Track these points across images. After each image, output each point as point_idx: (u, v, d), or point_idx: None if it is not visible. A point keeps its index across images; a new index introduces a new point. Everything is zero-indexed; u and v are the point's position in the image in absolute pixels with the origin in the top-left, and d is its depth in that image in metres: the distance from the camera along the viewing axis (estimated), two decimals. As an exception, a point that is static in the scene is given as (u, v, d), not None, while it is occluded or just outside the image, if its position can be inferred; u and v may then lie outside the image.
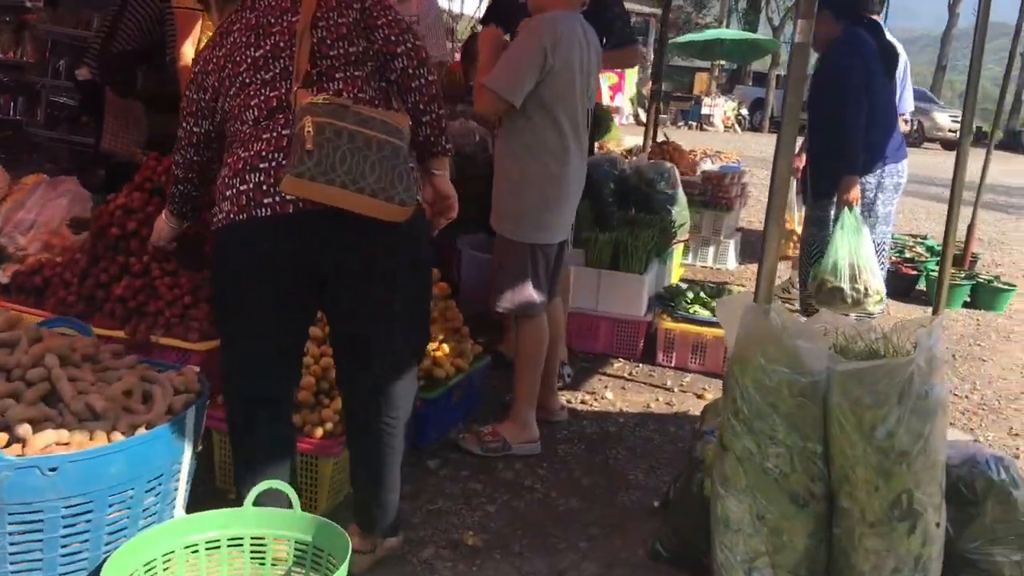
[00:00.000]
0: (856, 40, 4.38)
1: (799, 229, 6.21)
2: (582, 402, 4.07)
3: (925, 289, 6.62)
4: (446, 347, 3.50)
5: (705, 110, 27.64)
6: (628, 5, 15.02)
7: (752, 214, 9.59)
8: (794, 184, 6.08)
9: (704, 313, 4.65)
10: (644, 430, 3.82)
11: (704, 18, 39.27)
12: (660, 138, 8.81)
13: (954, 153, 3.57)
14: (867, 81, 4.33)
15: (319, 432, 2.82)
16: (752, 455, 2.12)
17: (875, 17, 4.65)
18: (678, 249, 5.83)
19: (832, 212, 4.45)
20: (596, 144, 7.54)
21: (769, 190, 2.24)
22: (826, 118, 4.46)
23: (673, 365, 4.64)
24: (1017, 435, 4.14)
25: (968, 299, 6.52)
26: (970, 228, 7.10)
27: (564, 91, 3.29)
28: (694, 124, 26.87)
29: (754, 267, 7.41)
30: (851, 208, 4.28)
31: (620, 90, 21.15)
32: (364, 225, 2.10)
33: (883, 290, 4.22)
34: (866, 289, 4.14)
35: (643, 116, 26.41)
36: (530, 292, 3.37)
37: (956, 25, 34.16)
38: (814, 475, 2.11)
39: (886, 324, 4.38)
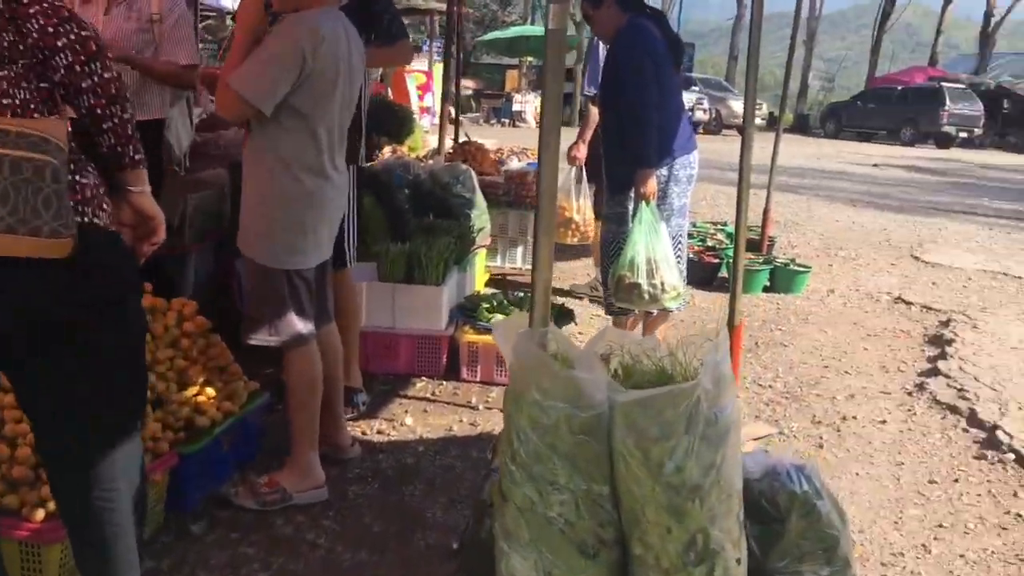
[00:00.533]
0: (643, 31, 4.25)
1: (577, 217, 6.10)
2: (379, 432, 3.74)
3: (727, 276, 6.67)
4: (210, 390, 3.08)
5: (516, 107, 27.81)
6: (436, 3, 14.15)
7: (561, 210, 9.52)
8: (572, 171, 5.99)
9: (506, 322, 4.41)
10: (445, 457, 3.53)
11: (509, 15, 39.71)
12: (462, 138, 8.60)
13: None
14: (656, 72, 4.21)
15: (40, 514, 2.35)
16: (534, 504, 1.85)
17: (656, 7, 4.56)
18: (481, 254, 5.58)
19: (630, 207, 4.32)
20: (391, 148, 7.20)
21: (536, 201, 1.98)
22: (618, 111, 4.32)
23: (479, 380, 4.38)
24: (819, 423, 4.13)
25: (768, 283, 6.63)
26: (765, 212, 7.26)
27: (323, 97, 2.93)
28: (507, 121, 26.98)
29: (564, 264, 7.32)
30: (648, 202, 4.16)
31: (429, 90, 20.82)
32: (12, 269, 1.68)
33: (681, 285, 4.12)
34: (662, 285, 4.02)
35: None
36: (293, 322, 3.00)
37: (745, 16, 35.97)
38: (603, 520, 1.86)
39: (677, 334, 4.26)
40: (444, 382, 4.36)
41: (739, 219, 3.67)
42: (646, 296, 4.03)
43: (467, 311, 4.58)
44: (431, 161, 6.06)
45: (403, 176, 5.25)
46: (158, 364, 2.87)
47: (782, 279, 6.62)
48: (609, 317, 4.54)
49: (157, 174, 4.06)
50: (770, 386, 4.60)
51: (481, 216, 5.40)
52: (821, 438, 3.94)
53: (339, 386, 3.39)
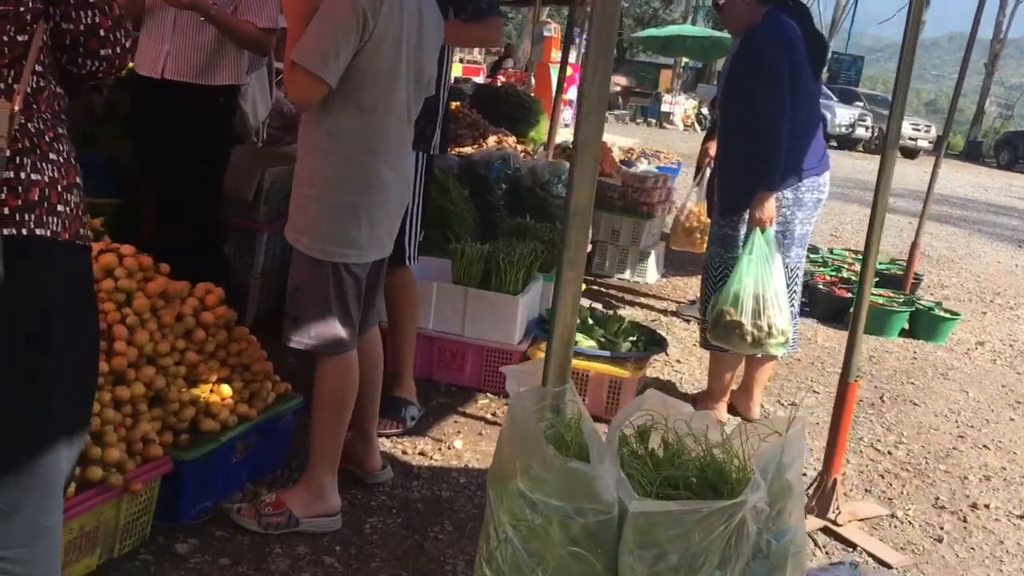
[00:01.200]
0: (782, 27, 3.67)
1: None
2: (421, 453, 3.33)
3: (860, 314, 5.93)
4: (226, 389, 2.74)
5: (665, 107, 26.99)
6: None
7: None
8: (707, 173, 5.47)
9: (586, 343, 3.93)
10: (486, 495, 3.08)
11: (671, 14, 38.71)
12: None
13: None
14: (791, 78, 3.62)
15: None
16: (508, 626, 1.39)
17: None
18: None
19: (742, 230, 3.76)
20: (495, 138, 6.75)
21: (564, 232, 1.50)
22: (741, 119, 3.75)
23: (549, 404, 3.91)
24: (943, 508, 3.46)
25: (906, 327, 5.86)
26: (913, 245, 6.45)
27: (386, 69, 2.54)
28: (653, 121, 26.22)
29: (678, 280, 6.74)
30: (763, 230, 3.59)
31: (575, 83, 20.37)
32: None
33: (790, 329, 3.54)
34: (770, 328, 3.46)
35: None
36: (334, 325, 2.63)
37: (922, 34, 33.78)
38: (598, 662, 1.38)
39: (787, 376, 3.61)
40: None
41: (867, 257, 3.07)
42: (748, 339, 3.47)
43: (547, 325, 4.09)
44: (535, 156, 5.59)
45: (501, 170, 4.83)
46: (160, 356, 2.54)
47: (924, 324, 5.84)
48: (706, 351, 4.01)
49: (229, 145, 3.80)
50: (889, 453, 3.93)
51: (582, 221, 4.92)
52: (942, 528, 3.28)
53: (374, 399, 3.00)
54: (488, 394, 3.96)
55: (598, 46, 1.40)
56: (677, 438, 1.58)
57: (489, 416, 3.76)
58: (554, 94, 7.03)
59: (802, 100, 3.67)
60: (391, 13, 2.50)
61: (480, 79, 17.49)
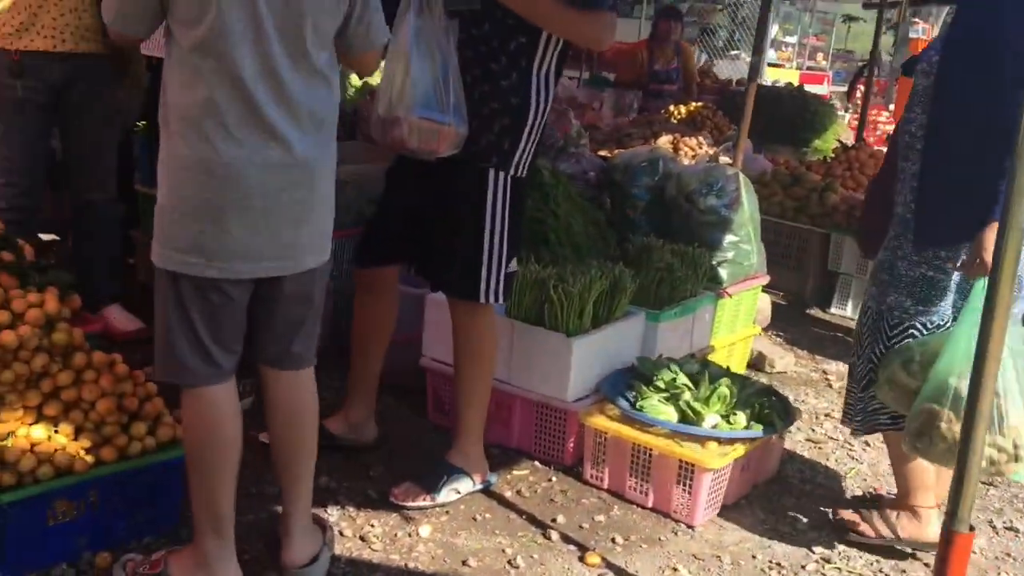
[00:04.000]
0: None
1: None
2: (362, 538, 2.50)
3: None
4: (38, 431, 2.16)
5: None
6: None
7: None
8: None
9: (661, 412, 2.81)
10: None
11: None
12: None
13: None
14: None
15: None
16: None
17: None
18: (742, 299, 3.80)
19: (952, 277, 2.48)
20: (676, 140, 5.45)
21: None
22: (957, 113, 2.46)
23: (606, 487, 2.88)
24: None
25: None
26: None
27: (207, 19, 1.88)
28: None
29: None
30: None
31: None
32: None
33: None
34: (1015, 446, 2.15)
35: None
36: (176, 349, 2.03)
37: None
38: None
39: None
40: (557, 476, 2.94)
41: (993, 308, 1.71)
42: (983, 461, 2.16)
43: (635, 379, 3.02)
44: (694, 160, 4.37)
45: (642, 176, 3.80)
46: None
47: None
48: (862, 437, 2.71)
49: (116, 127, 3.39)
50: None
51: (740, 245, 3.70)
52: None
53: (294, 470, 2.25)
54: (537, 463, 3.02)
55: None
56: None
57: (509, 494, 2.82)
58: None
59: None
60: None
61: (823, 88, 15.78)
